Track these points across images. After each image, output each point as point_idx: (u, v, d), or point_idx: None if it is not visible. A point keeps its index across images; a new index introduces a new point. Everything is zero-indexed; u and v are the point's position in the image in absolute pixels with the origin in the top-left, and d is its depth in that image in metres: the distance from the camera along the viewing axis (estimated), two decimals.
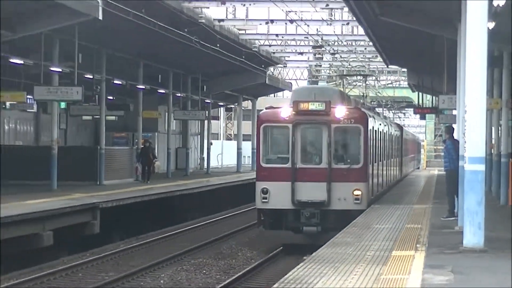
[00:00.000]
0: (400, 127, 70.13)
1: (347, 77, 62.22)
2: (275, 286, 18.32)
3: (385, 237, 27.14)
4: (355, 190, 36.18)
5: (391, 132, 53.85)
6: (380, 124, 44.79)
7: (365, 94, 68.86)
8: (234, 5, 53.13)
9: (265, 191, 36.06)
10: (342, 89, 49.88)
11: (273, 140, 37.46)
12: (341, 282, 18.61)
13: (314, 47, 63.17)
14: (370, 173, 38.15)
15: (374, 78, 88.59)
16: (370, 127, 37.44)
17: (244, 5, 52.60)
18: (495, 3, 26.05)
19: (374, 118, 41.90)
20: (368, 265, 20.93)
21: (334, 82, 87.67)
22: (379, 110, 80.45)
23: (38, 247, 36.19)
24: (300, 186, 36.24)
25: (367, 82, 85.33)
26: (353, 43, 67.90)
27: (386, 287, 17.91)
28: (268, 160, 37.17)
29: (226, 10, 54.85)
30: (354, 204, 36.09)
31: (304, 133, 36.61)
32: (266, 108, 38.10)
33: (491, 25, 24.75)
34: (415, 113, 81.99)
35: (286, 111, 36.42)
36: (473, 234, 23.67)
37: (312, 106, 35.86)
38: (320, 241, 30.02)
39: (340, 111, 36.17)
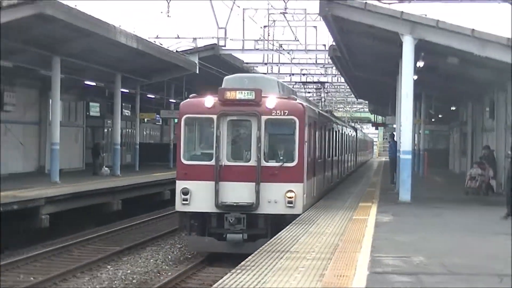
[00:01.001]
0: (355, 129, 53.17)
1: (307, 85, 50.96)
2: (295, 221, 18.29)
3: (355, 195, 27.01)
4: (288, 191, 19.98)
5: (343, 131, 36.53)
6: (328, 121, 28.51)
7: (323, 99, 49.10)
8: (272, 66, 53.08)
9: (185, 192, 20.36)
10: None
11: (196, 133, 21.31)
12: (331, 218, 18.66)
13: (316, 88, 62.92)
14: (309, 172, 21.68)
15: (349, 104, 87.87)
16: (308, 120, 21.23)
17: (278, 65, 52.69)
18: (417, 65, 26.03)
19: (318, 113, 25.36)
20: (346, 211, 20.86)
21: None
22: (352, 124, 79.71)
23: (161, 200, 36.42)
24: (225, 187, 20.10)
25: (346, 108, 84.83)
26: (338, 87, 67.59)
27: (355, 224, 17.97)
28: (189, 156, 21.00)
29: (267, 68, 54.81)
30: (287, 208, 19.99)
31: (230, 125, 20.55)
32: (190, 97, 21.52)
33: (415, 77, 24.68)
34: (372, 126, 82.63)
35: (210, 101, 20.49)
36: (404, 194, 23.78)
37: (240, 95, 20.22)
38: (246, 250, 17.56)
39: (272, 101, 20.26)
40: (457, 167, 48.11)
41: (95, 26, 27.48)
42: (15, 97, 34.07)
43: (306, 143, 20.50)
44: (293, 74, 57.20)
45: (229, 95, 20.23)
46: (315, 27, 42.55)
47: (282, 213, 19.84)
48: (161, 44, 38.68)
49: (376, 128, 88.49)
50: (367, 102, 78.43)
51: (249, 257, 12.70)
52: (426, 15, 24.32)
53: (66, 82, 33.49)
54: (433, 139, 58.95)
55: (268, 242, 14.70)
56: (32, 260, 20.88)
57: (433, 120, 52.86)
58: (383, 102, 54.28)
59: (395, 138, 33.58)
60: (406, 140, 24.22)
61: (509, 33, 25.02)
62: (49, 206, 24.56)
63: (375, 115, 78.45)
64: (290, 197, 19.89)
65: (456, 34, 23.28)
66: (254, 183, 19.90)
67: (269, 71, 55.58)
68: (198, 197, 20.21)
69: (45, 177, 32.44)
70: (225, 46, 42.03)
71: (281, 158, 20.32)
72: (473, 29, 23.09)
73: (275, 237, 15.38)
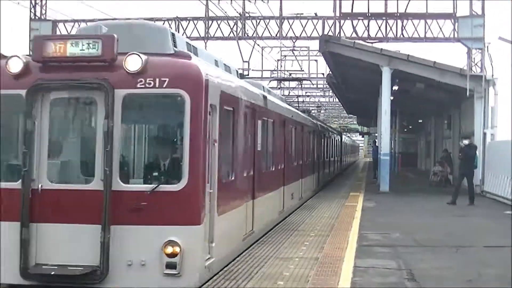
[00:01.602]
0: (340, 134, 41.74)
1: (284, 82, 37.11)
2: (299, 208, 18.17)
3: (347, 187, 26.85)
4: (167, 244, 5.89)
5: (323, 133, 25.73)
6: (291, 115, 15.82)
7: (298, 98, 35.91)
8: (283, 90, 52.94)
9: None
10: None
11: None
12: (328, 206, 18.53)
13: (317, 106, 62.86)
14: (238, 195, 8.26)
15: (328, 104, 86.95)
16: (224, 102, 6.92)
17: (288, 89, 52.69)
18: (393, 88, 25.94)
19: (263, 98, 11.02)
20: (339, 199, 20.65)
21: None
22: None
23: None
24: (43, 234, 5.57)
25: (340, 121, 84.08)
26: (334, 105, 67.33)
27: (347, 209, 17.88)
28: None
29: (279, 92, 54.77)
30: (164, 278, 5.76)
31: (56, 109, 5.66)
32: None
33: (391, 98, 24.63)
34: (359, 134, 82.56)
35: (17, 63, 5.60)
36: (384, 186, 23.68)
37: (74, 49, 5.37)
38: None
39: (136, 61, 5.49)
40: (423, 166, 47.87)
41: None
42: None
43: (217, 145, 8.14)
44: (299, 96, 57.26)
45: (54, 49, 7.11)
46: (316, 60, 42.27)
47: None
48: None
49: (362, 136, 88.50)
50: (355, 116, 78.31)
51: (267, 234, 12.63)
52: (399, 51, 24.45)
53: None
54: (405, 144, 58.72)
55: (281, 223, 14.17)
56: None
57: (405, 130, 52.78)
58: (368, 116, 54.05)
59: (376, 144, 33.40)
60: (385, 145, 24.17)
61: (461, 64, 25.13)
62: None
63: (362, 126, 78.28)
64: (171, 255, 7.12)
65: (422, 65, 23.40)
66: (98, 226, 7.24)
67: (282, 94, 55.55)
68: None
69: None
70: (248, 75, 42.01)
71: (154, 174, 7.50)
72: (435, 62, 23.26)
73: (286, 219, 15.00)
